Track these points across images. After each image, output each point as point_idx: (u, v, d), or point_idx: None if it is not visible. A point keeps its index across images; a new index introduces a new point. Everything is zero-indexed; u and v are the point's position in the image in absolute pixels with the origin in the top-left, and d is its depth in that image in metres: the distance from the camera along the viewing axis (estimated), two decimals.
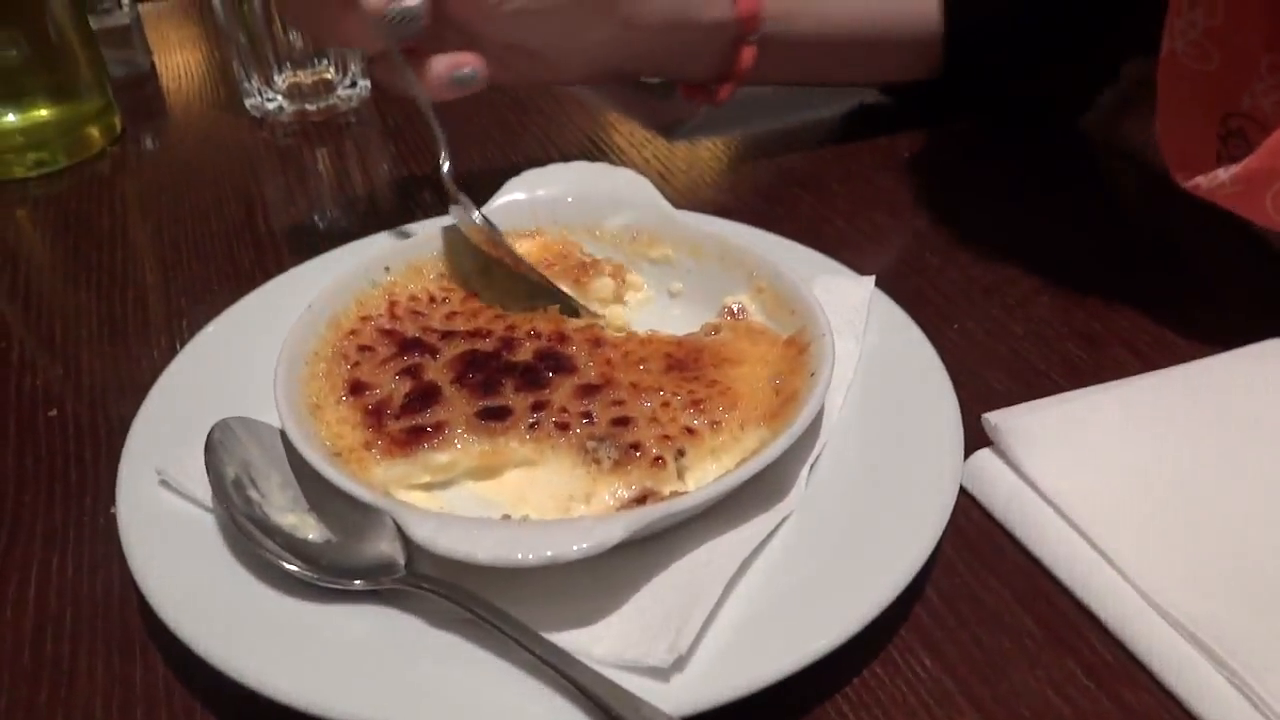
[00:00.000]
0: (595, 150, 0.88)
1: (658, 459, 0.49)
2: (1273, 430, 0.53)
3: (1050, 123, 0.89)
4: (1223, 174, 0.58)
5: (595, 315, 0.61)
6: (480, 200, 0.65)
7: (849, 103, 0.94)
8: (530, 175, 0.68)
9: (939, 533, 0.46)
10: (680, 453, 0.50)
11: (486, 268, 0.63)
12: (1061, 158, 0.86)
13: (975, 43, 0.81)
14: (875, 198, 0.78)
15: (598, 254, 0.65)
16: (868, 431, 0.53)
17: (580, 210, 0.66)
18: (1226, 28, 0.59)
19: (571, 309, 0.60)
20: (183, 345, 0.60)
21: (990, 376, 0.60)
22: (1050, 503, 0.50)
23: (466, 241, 0.63)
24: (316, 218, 0.81)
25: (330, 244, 0.68)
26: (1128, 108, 0.84)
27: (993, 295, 0.67)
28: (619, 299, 0.63)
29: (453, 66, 0.64)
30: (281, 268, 0.68)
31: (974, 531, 0.51)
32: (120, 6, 1.01)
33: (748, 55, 0.75)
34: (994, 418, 0.53)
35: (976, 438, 0.53)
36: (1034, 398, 0.56)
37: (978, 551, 0.50)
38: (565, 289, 0.62)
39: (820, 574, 0.45)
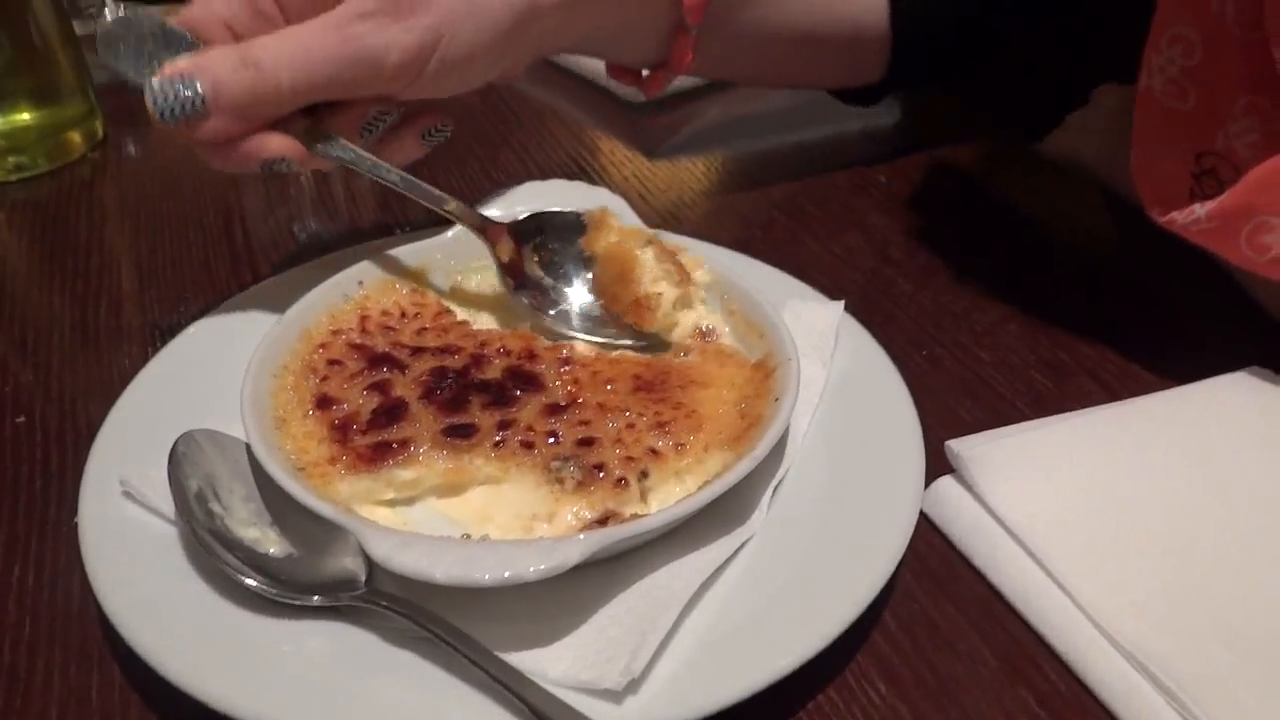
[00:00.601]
0: (576, 168, 0.89)
1: (620, 480, 0.50)
2: (1230, 464, 0.54)
3: (1023, 151, 0.90)
4: (1199, 209, 0.58)
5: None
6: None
7: (826, 128, 0.94)
8: (510, 193, 0.68)
9: (896, 559, 0.47)
10: (644, 474, 0.50)
11: (459, 284, 0.64)
12: (1033, 187, 0.86)
13: (920, 47, 0.80)
14: (849, 222, 0.79)
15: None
16: (831, 457, 0.53)
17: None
18: (1204, 67, 0.60)
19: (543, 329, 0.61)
20: (154, 354, 0.60)
21: (956, 403, 0.61)
22: (1008, 531, 0.50)
23: (440, 257, 0.64)
24: (294, 230, 0.81)
25: (307, 256, 0.69)
26: (1099, 134, 0.84)
27: (961, 322, 0.68)
28: (687, 304, 0.62)
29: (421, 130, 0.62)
30: (257, 279, 0.68)
31: (934, 558, 0.51)
32: (105, 11, 1.02)
33: (685, 45, 0.71)
34: (956, 445, 0.54)
35: (940, 464, 0.54)
36: (999, 425, 0.57)
37: (936, 578, 0.51)
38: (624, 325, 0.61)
39: (778, 598, 0.46)
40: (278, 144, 0.56)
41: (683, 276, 0.61)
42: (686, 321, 0.61)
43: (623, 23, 0.69)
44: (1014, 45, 0.84)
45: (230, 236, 0.79)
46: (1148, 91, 0.63)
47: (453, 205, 0.62)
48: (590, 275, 0.63)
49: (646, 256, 0.61)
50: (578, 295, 0.63)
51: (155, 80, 0.53)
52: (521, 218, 0.63)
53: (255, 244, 0.78)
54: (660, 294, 0.60)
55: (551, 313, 0.61)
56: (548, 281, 0.63)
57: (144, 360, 0.60)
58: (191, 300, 0.71)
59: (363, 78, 0.56)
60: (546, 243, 0.64)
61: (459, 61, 0.59)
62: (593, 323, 0.62)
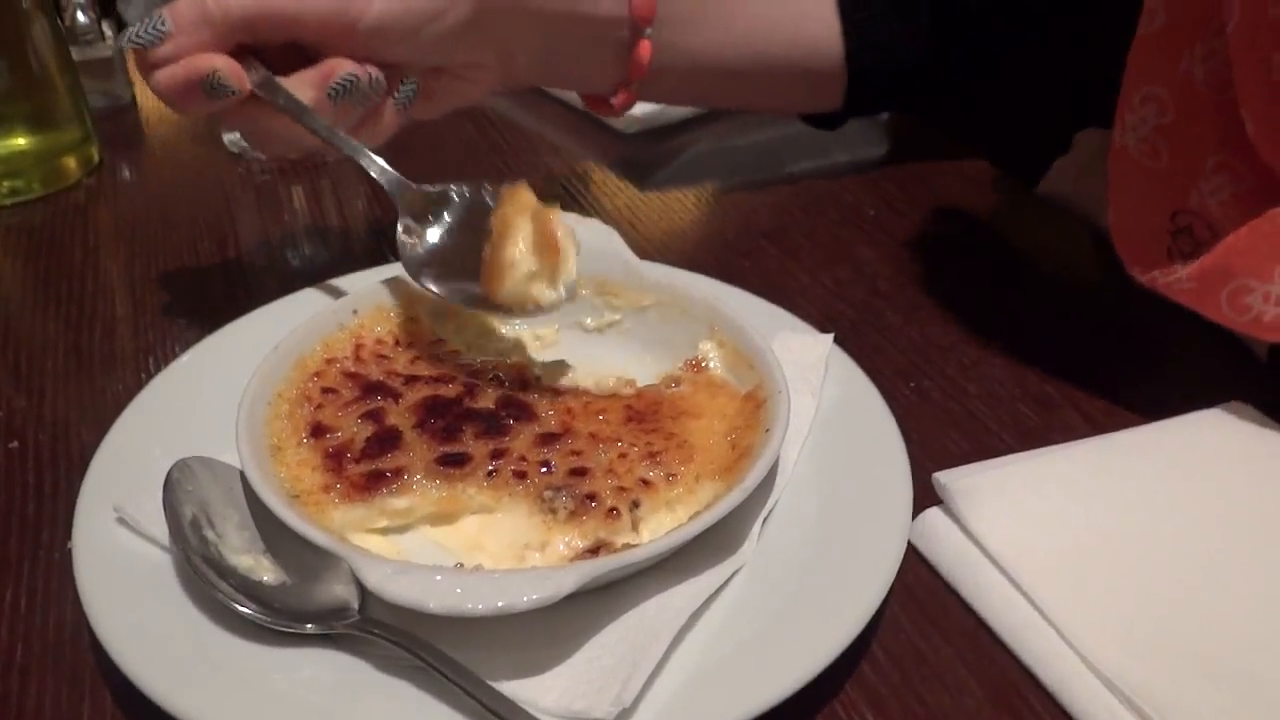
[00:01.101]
0: (568, 197, 0.90)
1: (612, 510, 0.50)
2: (1212, 497, 0.55)
3: (1011, 186, 0.91)
4: (1180, 270, 0.59)
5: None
6: None
7: (817, 160, 0.96)
8: None
9: (884, 591, 0.47)
10: (635, 504, 0.51)
11: (452, 312, 0.64)
12: (1022, 222, 0.88)
13: (875, 76, 0.81)
14: (838, 254, 0.80)
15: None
16: (820, 488, 0.54)
17: None
18: (1176, 126, 0.61)
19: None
20: (149, 380, 0.60)
21: (943, 435, 0.62)
22: (995, 562, 0.51)
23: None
24: (289, 255, 0.81)
25: (302, 282, 0.69)
26: (1082, 175, 0.86)
27: (949, 355, 0.68)
28: (548, 282, 0.60)
29: (326, 77, 0.63)
30: (252, 305, 0.69)
31: (921, 589, 0.52)
32: (103, 38, 1.02)
33: (643, 53, 0.73)
34: (943, 477, 0.55)
35: (927, 496, 0.54)
36: (986, 457, 0.58)
37: (924, 609, 0.51)
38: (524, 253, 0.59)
39: (767, 629, 0.46)
40: (219, 61, 0.61)
41: (552, 254, 0.59)
42: (545, 299, 0.59)
43: (576, 24, 0.72)
44: (977, 78, 0.85)
45: (225, 261, 0.79)
46: (1122, 149, 0.64)
47: (374, 161, 0.64)
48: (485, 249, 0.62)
49: (524, 225, 0.60)
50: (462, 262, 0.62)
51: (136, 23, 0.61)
52: (436, 188, 0.64)
53: (249, 268, 0.79)
54: (515, 263, 0.59)
55: (430, 284, 0.61)
56: (435, 246, 0.63)
57: (138, 386, 0.60)
58: (186, 325, 0.71)
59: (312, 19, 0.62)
60: (455, 214, 0.64)
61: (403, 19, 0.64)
62: (461, 293, 0.61)
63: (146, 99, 1.07)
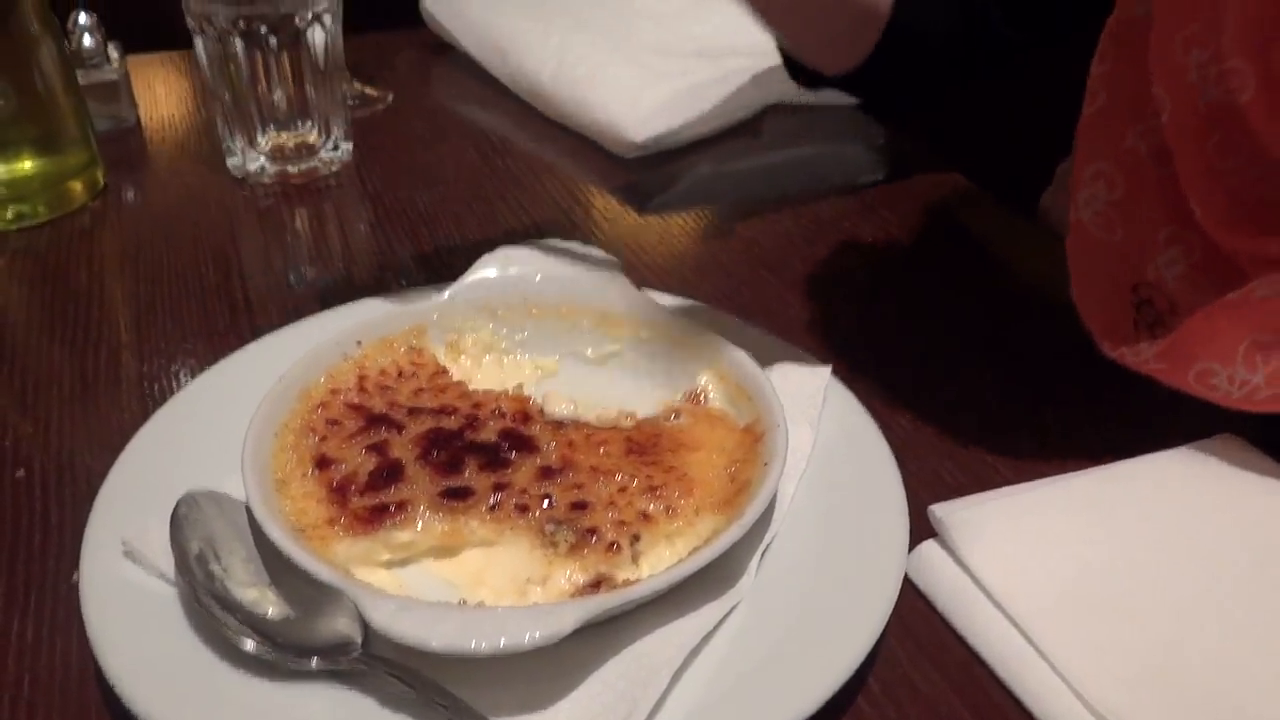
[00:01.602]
0: (569, 223, 0.90)
1: (613, 544, 0.51)
2: (1212, 530, 0.55)
3: (1009, 214, 0.92)
4: (1146, 349, 0.60)
5: None
6: (454, 274, 0.67)
7: (816, 185, 0.97)
8: (502, 252, 0.70)
9: (881, 625, 0.48)
10: (635, 538, 0.52)
11: (455, 343, 0.65)
12: (1021, 252, 0.88)
13: (911, 38, 0.78)
14: (837, 282, 0.81)
15: (565, 331, 0.67)
16: (818, 522, 0.54)
17: (548, 289, 0.68)
18: (1127, 201, 0.62)
19: None
20: (155, 407, 0.61)
21: (940, 467, 0.62)
22: (990, 596, 0.52)
23: (437, 317, 0.65)
24: (293, 281, 0.82)
25: (307, 308, 0.70)
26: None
27: (946, 385, 0.69)
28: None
29: None
30: (256, 331, 0.70)
31: (917, 622, 0.53)
32: (109, 61, 1.03)
33: None
34: (939, 510, 0.55)
35: (924, 528, 0.55)
36: (983, 489, 0.58)
37: (920, 642, 0.52)
38: None
39: (766, 663, 0.47)
40: None
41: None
42: None
43: None
44: (990, 75, 0.84)
45: (229, 287, 0.80)
46: (1079, 225, 0.65)
47: None
48: None
49: None
50: None
51: None
52: None
53: (253, 294, 0.80)
54: None
55: None
56: None
57: (144, 414, 0.60)
58: (191, 351, 0.72)
59: None
60: None
61: None
62: None
63: (151, 120, 1.08)
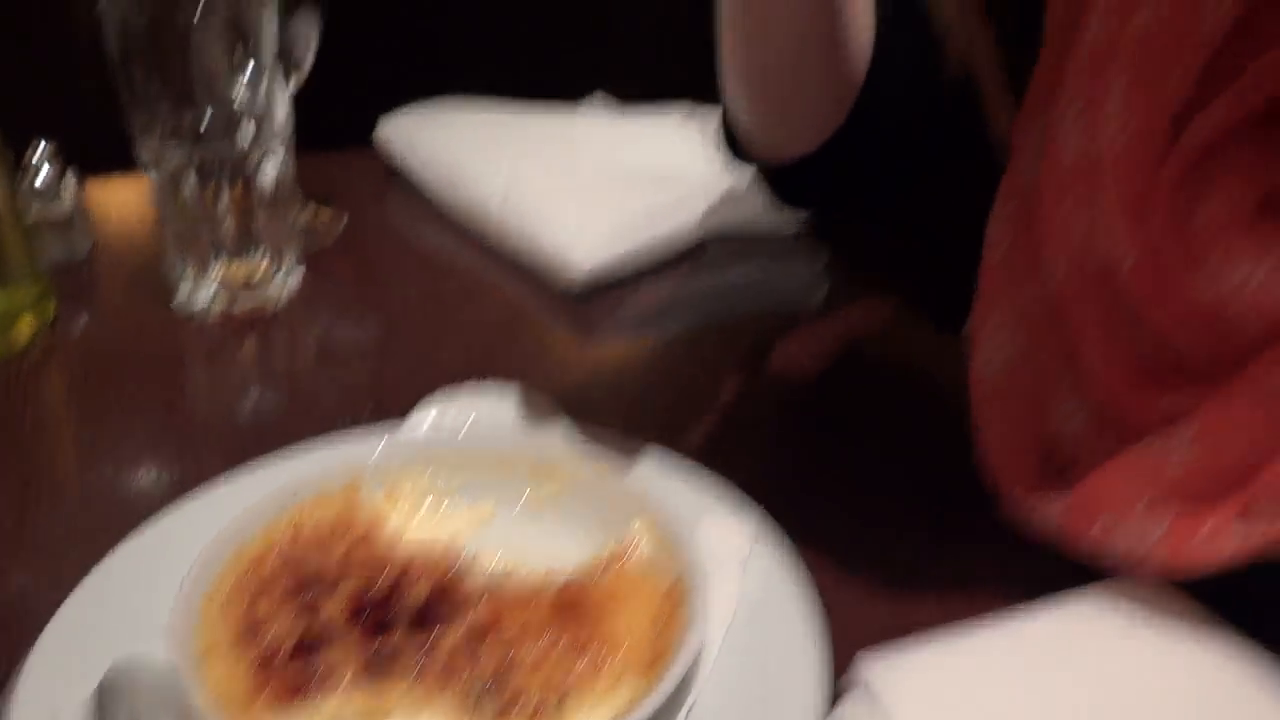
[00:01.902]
0: (513, 354, 0.92)
1: (537, 710, 0.52)
2: (1145, 673, 0.56)
3: (949, 345, 0.94)
4: (1053, 499, 0.61)
5: None
6: (398, 409, 0.68)
7: (762, 305, 0.99)
8: (442, 395, 0.71)
9: None
10: (561, 700, 0.52)
11: (390, 495, 0.66)
12: (959, 383, 0.90)
13: (881, 112, 0.76)
14: (774, 419, 0.82)
15: (500, 478, 0.68)
16: (739, 681, 0.55)
17: (485, 436, 0.69)
18: (1026, 354, 0.64)
19: None
20: (88, 569, 0.61)
21: (867, 614, 0.63)
22: None
23: (373, 469, 0.66)
24: (240, 419, 0.83)
25: (252, 449, 0.71)
26: None
27: (873, 529, 0.70)
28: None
29: None
30: (201, 476, 0.70)
31: None
32: (64, 193, 1.05)
33: None
34: (864, 663, 0.56)
35: (851, 676, 0.56)
36: (911, 632, 0.59)
37: None
38: None
39: None
40: None
41: None
42: None
43: None
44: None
45: (175, 428, 0.81)
46: (980, 375, 0.66)
47: None
48: None
49: None
50: None
51: None
52: None
53: (198, 432, 0.81)
54: None
55: None
56: None
57: (82, 570, 0.61)
58: (133, 502, 0.72)
59: None
60: None
61: None
62: None
63: (104, 249, 1.09)
